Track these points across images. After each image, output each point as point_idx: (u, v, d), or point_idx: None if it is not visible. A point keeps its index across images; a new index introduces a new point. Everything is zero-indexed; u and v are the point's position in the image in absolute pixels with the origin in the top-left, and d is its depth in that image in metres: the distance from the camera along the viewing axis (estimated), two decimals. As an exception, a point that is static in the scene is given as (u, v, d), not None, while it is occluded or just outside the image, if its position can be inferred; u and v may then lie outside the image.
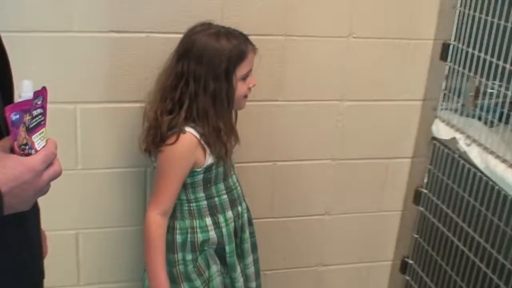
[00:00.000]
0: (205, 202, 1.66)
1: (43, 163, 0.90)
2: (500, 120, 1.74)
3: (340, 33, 1.93)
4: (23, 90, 0.90)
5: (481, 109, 1.81)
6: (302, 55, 1.92)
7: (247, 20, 1.78)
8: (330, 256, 2.25)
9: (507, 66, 1.63)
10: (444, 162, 1.95)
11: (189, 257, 1.67)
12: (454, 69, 1.90)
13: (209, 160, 1.62)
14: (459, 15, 1.86)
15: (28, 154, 0.90)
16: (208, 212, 1.67)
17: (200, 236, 1.66)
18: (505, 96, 1.68)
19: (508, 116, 1.73)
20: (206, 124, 1.58)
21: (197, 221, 1.67)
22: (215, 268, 1.70)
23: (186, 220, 1.66)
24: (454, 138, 1.87)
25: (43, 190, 0.93)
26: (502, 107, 1.76)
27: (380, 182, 2.18)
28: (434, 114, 2.00)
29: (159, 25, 1.76)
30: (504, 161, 1.64)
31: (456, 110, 1.91)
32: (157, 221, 1.61)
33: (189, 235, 1.66)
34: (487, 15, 1.72)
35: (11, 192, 0.86)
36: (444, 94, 1.96)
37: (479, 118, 1.82)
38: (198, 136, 1.58)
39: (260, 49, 1.67)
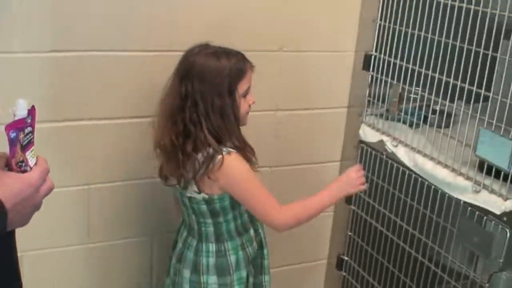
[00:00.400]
0: (245, 215, 1.72)
1: (40, 179, 0.95)
2: (424, 122, 1.94)
3: (271, 48, 2.05)
4: (18, 108, 0.93)
5: (405, 112, 1.99)
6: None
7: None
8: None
9: (429, 72, 1.82)
10: (372, 163, 2.12)
11: (244, 274, 1.71)
12: (376, 77, 2.07)
13: None
14: (379, 28, 2.04)
15: (24, 171, 0.94)
16: (250, 224, 1.75)
17: (250, 250, 1.73)
18: (427, 100, 1.87)
19: (429, 118, 1.93)
20: (228, 140, 1.62)
21: (244, 236, 1.73)
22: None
23: (236, 239, 1.71)
24: (381, 141, 2.04)
25: (39, 206, 0.96)
26: (424, 110, 1.96)
27: (312, 186, 2.30)
28: (360, 119, 2.17)
29: (100, 43, 1.80)
30: (432, 158, 1.82)
31: (381, 115, 2.08)
32: (284, 216, 1.67)
33: (240, 252, 1.71)
34: (407, 27, 1.90)
35: (14, 209, 0.89)
36: (369, 101, 2.13)
37: (404, 122, 2.00)
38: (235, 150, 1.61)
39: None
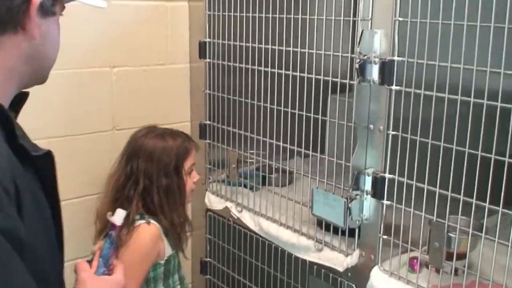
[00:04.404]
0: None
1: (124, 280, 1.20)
2: (263, 183, 1.99)
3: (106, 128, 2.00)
4: (117, 217, 1.27)
5: (245, 176, 2.02)
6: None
7: None
8: None
9: (261, 137, 1.87)
10: (221, 230, 2.11)
11: None
12: (213, 145, 2.08)
13: (168, 251, 1.72)
14: (208, 97, 2.06)
15: (110, 274, 1.19)
16: None
17: None
18: (262, 162, 1.92)
19: (268, 178, 1.99)
20: (163, 217, 1.70)
21: None
22: None
23: None
24: (226, 207, 2.04)
25: None
26: (262, 171, 2.00)
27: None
28: (204, 187, 2.16)
29: None
30: (275, 220, 1.85)
31: (223, 181, 2.08)
32: None
33: None
34: (234, 95, 1.94)
35: None
36: (210, 168, 2.13)
37: (245, 186, 2.02)
38: (159, 228, 1.68)
39: None
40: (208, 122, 2.09)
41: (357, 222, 1.56)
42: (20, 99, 0.96)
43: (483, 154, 1.23)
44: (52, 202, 0.93)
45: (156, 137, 1.75)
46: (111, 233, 1.24)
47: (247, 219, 1.96)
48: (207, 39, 2.03)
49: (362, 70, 1.45)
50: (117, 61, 2.00)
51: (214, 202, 2.11)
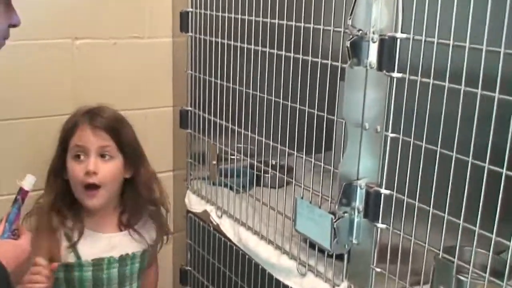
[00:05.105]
0: None
1: (29, 246, 1.14)
2: (256, 184, 1.69)
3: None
4: (27, 182, 1.21)
5: (225, 175, 1.69)
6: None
7: None
8: None
9: (248, 132, 1.53)
10: (201, 236, 1.80)
11: None
12: (196, 136, 1.76)
13: None
14: (191, 79, 1.74)
15: (15, 239, 1.14)
16: None
17: None
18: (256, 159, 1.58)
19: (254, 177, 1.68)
20: None
21: None
22: None
23: None
24: (206, 210, 1.73)
25: (27, 270, 1.22)
26: (249, 169, 1.67)
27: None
28: (185, 185, 1.84)
29: None
30: (255, 232, 1.52)
31: (204, 179, 1.76)
32: None
33: None
34: (221, 80, 1.61)
35: (13, 273, 1.02)
36: (191, 163, 1.81)
37: (231, 187, 1.69)
38: None
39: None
40: (189, 108, 1.77)
41: (345, 246, 1.21)
42: None
43: (508, 172, 0.87)
44: None
45: None
46: (18, 198, 1.20)
47: (227, 226, 1.63)
48: (190, 9, 1.69)
49: (355, 50, 1.10)
50: (81, 32, 1.69)
51: (194, 203, 1.79)
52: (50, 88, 1.68)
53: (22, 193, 1.21)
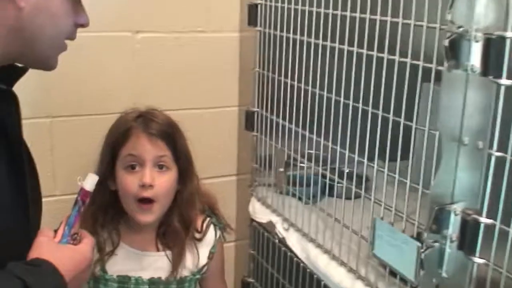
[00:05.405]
0: None
1: (91, 253, 1.03)
2: (322, 194, 1.52)
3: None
4: (89, 182, 1.08)
5: (293, 183, 1.53)
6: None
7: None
8: None
9: (321, 139, 1.37)
10: (266, 249, 1.65)
11: None
12: (263, 139, 1.62)
13: None
14: (258, 78, 1.59)
15: (75, 244, 1.03)
16: None
17: None
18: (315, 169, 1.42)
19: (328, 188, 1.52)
20: None
21: None
22: None
23: None
24: (271, 221, 1.58)
25: (87, 278, 1.05)
26: (320, 177, 1.51)
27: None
28: (250, 191, 1.71)
29: None
30: (326, 251, 1.36)
31: (270, 185, 1.62)
32: None
33: None
34: (292, 79, 1.45)
35: (71, 283, 0.93)
36: (256, 169, 1.67)
37: (294, 195, 1.54)
38: None
39: None
40: (256, 109, 1.63)
41: (433, 280, 1.04)
42: (17, 74, 0.96)
43: None
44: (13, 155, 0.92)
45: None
46: (79, 199, 1.09)
47: (293, 241, 1.49)
48: (259, 1, 1.55)
49: (454, 50, 0.92)
50: (141, 25, 1.56)
51: (259, 212, 1.66)
52: (109, 83, 1.57)
53: (83, 194, 1.09)
